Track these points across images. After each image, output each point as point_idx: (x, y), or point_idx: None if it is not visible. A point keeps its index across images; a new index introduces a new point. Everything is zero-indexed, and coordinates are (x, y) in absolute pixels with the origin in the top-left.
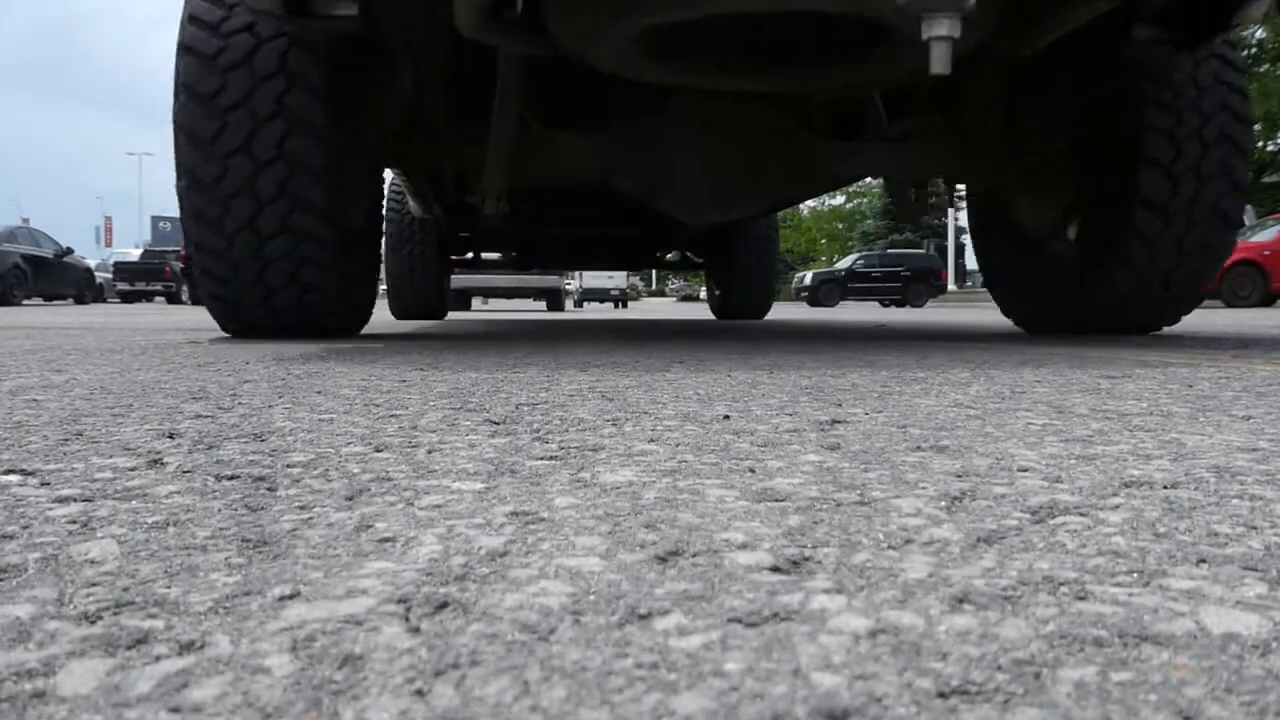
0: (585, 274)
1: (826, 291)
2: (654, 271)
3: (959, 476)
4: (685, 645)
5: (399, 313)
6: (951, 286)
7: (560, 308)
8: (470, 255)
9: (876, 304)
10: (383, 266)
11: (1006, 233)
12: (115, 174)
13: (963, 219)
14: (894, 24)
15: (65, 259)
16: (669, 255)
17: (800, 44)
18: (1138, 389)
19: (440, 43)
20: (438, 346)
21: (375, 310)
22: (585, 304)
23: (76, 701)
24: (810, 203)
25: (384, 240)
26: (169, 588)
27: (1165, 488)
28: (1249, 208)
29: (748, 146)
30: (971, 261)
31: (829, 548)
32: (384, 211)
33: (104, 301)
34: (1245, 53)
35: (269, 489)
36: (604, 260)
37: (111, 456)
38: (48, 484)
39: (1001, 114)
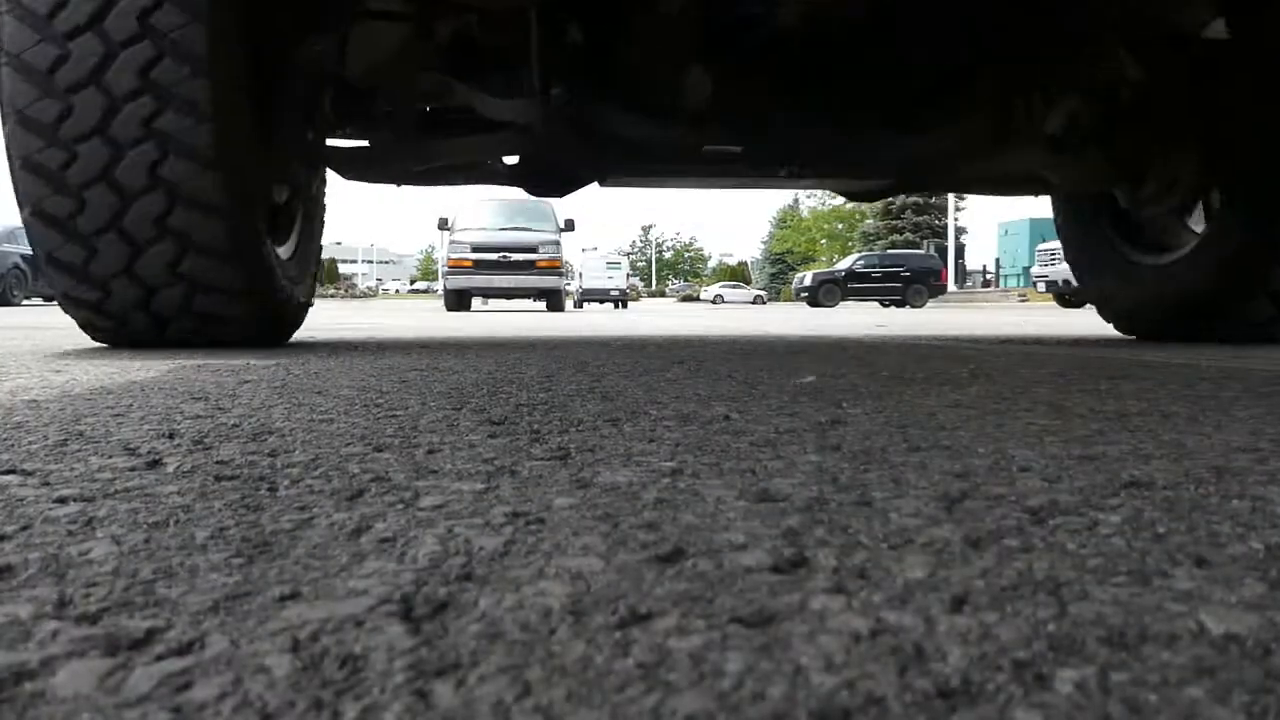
0: (585, 273)
1: (826, 292)
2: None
3: (959, 476)
4: (685, 645)
5: (92, 323)
6: (952, 287)
7: (560, 308)
8: (418, 170)
9: (876, 304)
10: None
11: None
12: None
13: (963, 219)
14: None
15: None
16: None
17: None
18: (1138, 389)
19: None
20: (437, 347)
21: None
22: (585, 304)
23: (76, 701)
24: (810, 202)
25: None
26: (169, 588)
27: (1165, 488)
28: None
29: None
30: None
31: (828, 548)
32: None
33: None
34: None
35: (269, 489)
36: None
37: (111, 456)
38: (48, 484)
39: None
